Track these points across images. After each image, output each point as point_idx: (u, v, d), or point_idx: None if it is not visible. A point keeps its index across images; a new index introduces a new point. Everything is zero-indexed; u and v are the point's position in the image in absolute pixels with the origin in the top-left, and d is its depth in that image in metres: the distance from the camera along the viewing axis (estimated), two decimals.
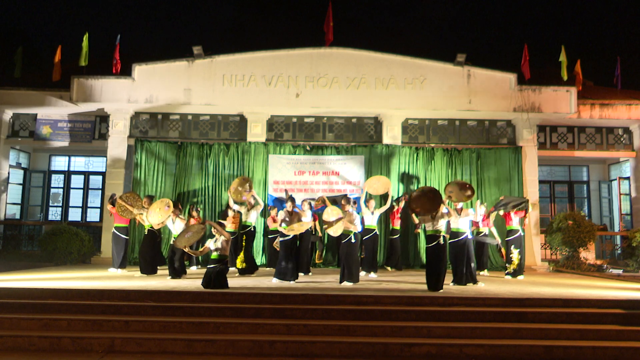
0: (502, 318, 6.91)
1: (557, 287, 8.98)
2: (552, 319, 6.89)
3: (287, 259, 9.14)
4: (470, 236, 9.65)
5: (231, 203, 10.91)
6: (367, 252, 10.45)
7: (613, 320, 6.91)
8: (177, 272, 9.65)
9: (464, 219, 9.43)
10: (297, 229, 9.20)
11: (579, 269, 12.71)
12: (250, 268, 10.38)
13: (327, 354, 5.99)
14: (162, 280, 9.17)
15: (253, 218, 10.86)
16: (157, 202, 10.29)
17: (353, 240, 9.16)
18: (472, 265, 9.45)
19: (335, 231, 9.18)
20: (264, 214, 12.39)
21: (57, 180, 16.31)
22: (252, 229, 10.87)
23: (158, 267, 10.43)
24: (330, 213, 9.34)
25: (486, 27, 41.03)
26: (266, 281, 9.20)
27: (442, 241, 8.41)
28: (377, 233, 10.71)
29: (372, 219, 10.49)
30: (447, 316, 6.94)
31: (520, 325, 6.65)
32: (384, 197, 11.93)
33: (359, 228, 9.49)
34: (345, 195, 11.63)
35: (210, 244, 8.60)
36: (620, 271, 12.53)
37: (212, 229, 8.68)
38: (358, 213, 11.90)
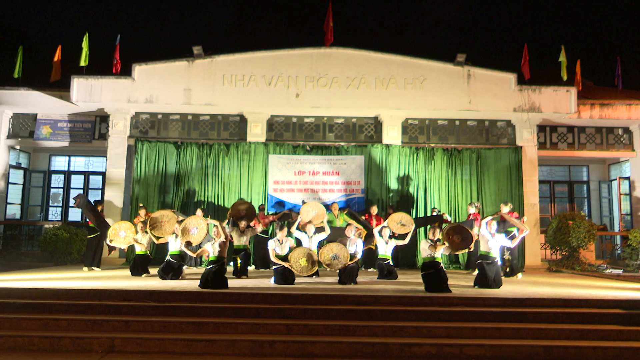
0: (502, 318, 6.91)
1: (557, 287, 8.97)
2: (552, 319, 6.89)
3: (283, 280, 8.88)
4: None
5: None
6: (380, 275, 9.99)
7: (613, 320, 6.91)
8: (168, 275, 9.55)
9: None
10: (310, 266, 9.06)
11: (579, 269, 12.70)
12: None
13: (327, 354, 5.99)
14: (162, 280, 9.17)
15: (246, 239, 10.51)
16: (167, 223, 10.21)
17: (355, 264, 9.25)
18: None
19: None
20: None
21: (57, 180, 16.32)
22: (248, 250, 10.44)
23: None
24: (328, 251, 9.19)
25: (486, 27, 41.05)
26: (266, 281, 9.19)
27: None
28: (391, 262, 10.07)
29: (385, 248, 10.01)
30: (447, 316, 6.94)
31: (520, 325, 6.65)
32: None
33: (360, 255, 9.48)
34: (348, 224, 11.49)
35: (208, 246, 8.59)
36: (620, 271, 12.52)
37: (213, 230, 8.67)
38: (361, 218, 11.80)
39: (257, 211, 11.92)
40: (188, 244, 9.25)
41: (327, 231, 10.36)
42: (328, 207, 11.87)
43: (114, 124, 13.71)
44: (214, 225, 8.69)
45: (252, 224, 11.02)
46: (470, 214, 11.64)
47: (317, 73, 13.52)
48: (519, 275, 10.75)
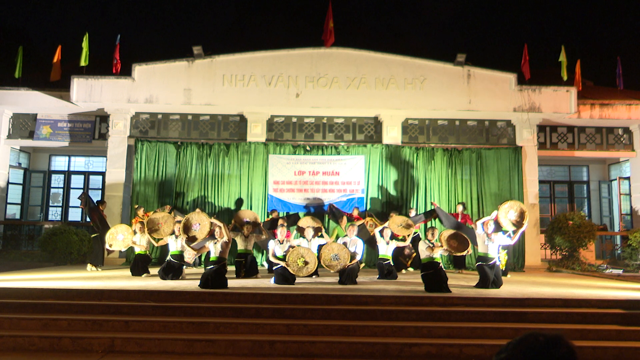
0: (502, 318, 6.90)
1: (557, 287, 8.97)
2: (552, 319, 6.89)
3: (283, 280, 8.84)
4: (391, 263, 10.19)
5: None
6: (380, 275, 9.99)
7: (613, 320, 6.90)
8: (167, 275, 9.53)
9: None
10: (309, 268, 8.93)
11: (579, 269, 12.71)
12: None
13: (327, 354, 5.98)
14: (162, 280, 9.16)
15: (249, 244, 10.31)
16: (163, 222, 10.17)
17: (356, 264, 9.25)
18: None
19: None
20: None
21: (57, 180, 16.32)
22: (252, 256, 10.30)
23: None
24: (330, 251, 9.19)
25: (486, 27, 41.06)
26: (266, 282, 9.19)
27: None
28: (391, 263, 10.08)
29: (386, 249, 10.07)
30: (447, 316, 6.93)
31: (520, 325, 6.64)
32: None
33: (360, 256, 9.49)
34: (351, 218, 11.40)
35: (210, 246, 8.58)
36: (620, 271, 12.52)
37: (217, 231, 8.62)
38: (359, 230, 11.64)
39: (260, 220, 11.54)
40: (191, 240, 9.17)
41: (327, 238, 10.28)
42: (336, 218, 11.87)
43: (114, 124, 13.70)
44: (218, 226, 8.66)
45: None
46: (458, 213, 11.83)
47: (317, 73, 13.52)
48: (508, 275, 10.73)
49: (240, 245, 10.26)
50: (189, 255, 9.69)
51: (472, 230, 10.70)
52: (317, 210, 12.91)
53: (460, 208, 12.07)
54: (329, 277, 10.02)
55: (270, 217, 11.90)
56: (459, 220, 11.63)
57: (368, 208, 13.10)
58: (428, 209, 12.97)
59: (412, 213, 12.20)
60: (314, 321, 6.70)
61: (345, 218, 11.68)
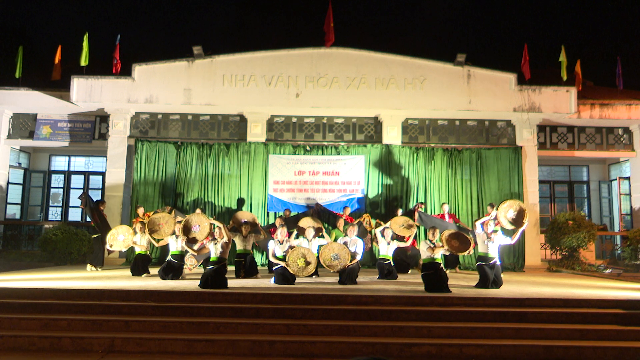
0: (502, 318, 6.91)
1: (557, 287, 8.97)
2: (552, 319, 6.89)
3: (283, 280, 8.84)
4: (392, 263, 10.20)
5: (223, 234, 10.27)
6: (380, 275, 10.00)
7: (613, 320, 6.91)
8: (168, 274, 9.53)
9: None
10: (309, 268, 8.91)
11: (579, 269, 12.71)
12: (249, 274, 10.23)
13: (327, 354, 5.98)
14: (162, 280, 9.16)
15: (248, 244, 10.36)
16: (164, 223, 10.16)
17: (356, 264, 9.24)
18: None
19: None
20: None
21: (57, 180, 16.32)
22: (252, 256, 10.33)
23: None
24: (330, 251, 9.18)
25: (486, 27, 41.08)
26: (266, 282, 9.19)
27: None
28: (392, 263, 10.09)
29: (387, 249, 10.10)
30: (447, 316, 6.94)
31: (520, 325, 6.65)
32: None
33: (360, 256, 9.49)
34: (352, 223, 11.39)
35: (211, 246, 8.57)
36: (620, 271, 12.52)
37: (216, 231, 8.60)
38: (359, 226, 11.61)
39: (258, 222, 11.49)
40: (191, 241, 9.15)
41: (328, 239, 10.29)
42: (334, 219, 11.82)
43: (114, 124, 13.70)
44: (217, 226, 8.66)
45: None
46: (443, 213, 11.95)
47: (317, 73, 13.52)
48: None
49: (239, 246, 10.29)
50: (191, 262, 9.70)
51: (460, 228, 10.87)
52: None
53: (445, 208, 12.12)
54: (329, 277, 10.01)
55: (288, 216, 11.79)
56: (447, 220, 11.65)
57: (368, 208, 13.11)
58: (429, 209, 12.99)
59: (399, 212, 12.13)
60: (314, 321, 6.70)
61: (342, 220, 11.54)
